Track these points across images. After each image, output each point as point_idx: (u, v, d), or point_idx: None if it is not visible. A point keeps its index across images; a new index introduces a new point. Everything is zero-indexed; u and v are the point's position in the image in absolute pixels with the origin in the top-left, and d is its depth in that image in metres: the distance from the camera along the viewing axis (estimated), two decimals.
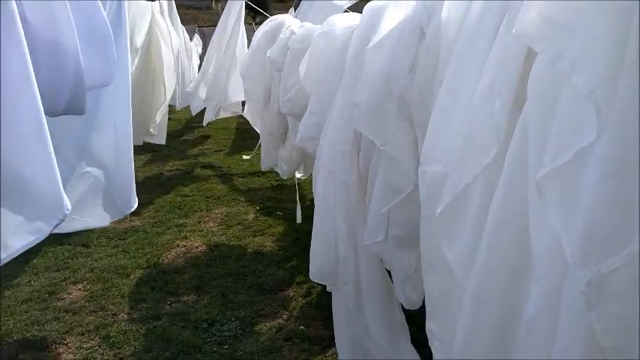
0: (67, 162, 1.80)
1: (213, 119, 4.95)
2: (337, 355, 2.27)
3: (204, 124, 5.22)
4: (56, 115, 1.24)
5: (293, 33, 2.66)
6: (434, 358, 1.25)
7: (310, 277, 2.13)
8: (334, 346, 2.35)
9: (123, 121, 1.87)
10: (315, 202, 2.09)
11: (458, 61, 1.08)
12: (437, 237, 1.02)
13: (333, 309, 2.05)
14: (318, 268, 2.08)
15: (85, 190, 1.96)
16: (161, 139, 4.80)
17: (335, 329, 2.05)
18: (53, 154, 1.09)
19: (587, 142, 0.69)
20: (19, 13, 0.95)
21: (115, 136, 1.84)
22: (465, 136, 0.97)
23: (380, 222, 1.72)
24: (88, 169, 1.92)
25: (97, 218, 2.07)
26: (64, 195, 1.13)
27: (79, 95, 1.14)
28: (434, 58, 1.30)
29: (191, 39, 8.55)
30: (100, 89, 1.44)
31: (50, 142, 1.07)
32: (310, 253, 2.08)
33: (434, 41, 1.31)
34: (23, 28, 0.96)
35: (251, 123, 4.17)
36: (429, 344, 1.28)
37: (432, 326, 1.24)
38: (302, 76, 2.20)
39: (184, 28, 5.84)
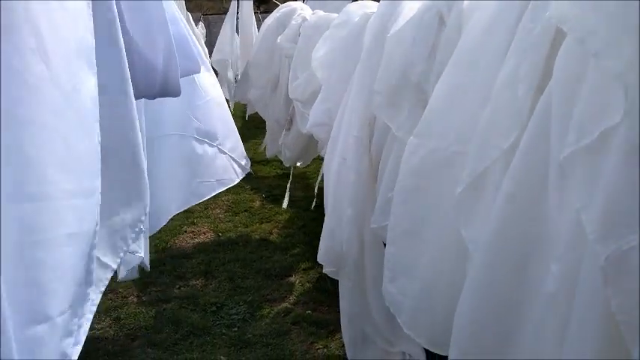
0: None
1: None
2: (343, 339, 2.31)
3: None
4: (153, 97, 1.25)
5: (305, 20, 2.67)
6: (400, 318, 1.31)
7: (318, 260, 2.16)
8: (341, 330, 2.38)
9: None
10: (326, 189, 2.11)
11: (474, 47, 1.10)
12: (453, 216, 1.05)
13: (339, 293, 2.07)
14: (325, 252, 2.11)
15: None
16: None
17: (341, 314, 2.07)
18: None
19: (613, 123, 0.71)
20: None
21: None
22: (486, 121, 0.99)
23: (387, 206, 1.75)
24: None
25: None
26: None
27: (171, 79, 1.15)
28: (454, 45, 1.32)
29: (196, 25, 8.53)
30: None
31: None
32: (321, 237, 2.11)
33: (454, 29, 1.33)
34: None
35: (257, 109, 4.17)
36: (388, 304, 1.37)
37: (397, 288, 1.31)
38: (313, 63, 2.21)
39: (190, 16, 5.83)
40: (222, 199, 4.17)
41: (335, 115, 2.11)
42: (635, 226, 0.69)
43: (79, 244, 0.84)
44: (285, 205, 3.51)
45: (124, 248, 1.03)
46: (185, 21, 1.18)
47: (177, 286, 2.79)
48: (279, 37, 2.81)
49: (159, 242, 3.31)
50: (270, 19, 3.07)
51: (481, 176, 0.97)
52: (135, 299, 2.66)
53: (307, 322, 2.45)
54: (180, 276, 2.90)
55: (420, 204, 1.30)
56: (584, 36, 0.72)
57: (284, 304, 2.64)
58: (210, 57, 5.14)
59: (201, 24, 10.08)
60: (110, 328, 2.41)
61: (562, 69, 0.84)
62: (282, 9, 3.03)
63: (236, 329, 2.40)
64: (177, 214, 3.75)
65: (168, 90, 1.15)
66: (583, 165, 0.77)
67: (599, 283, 0.73)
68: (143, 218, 1.03)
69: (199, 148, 1.76)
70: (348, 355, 2.03)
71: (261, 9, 8.35)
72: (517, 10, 1.04)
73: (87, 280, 0.88)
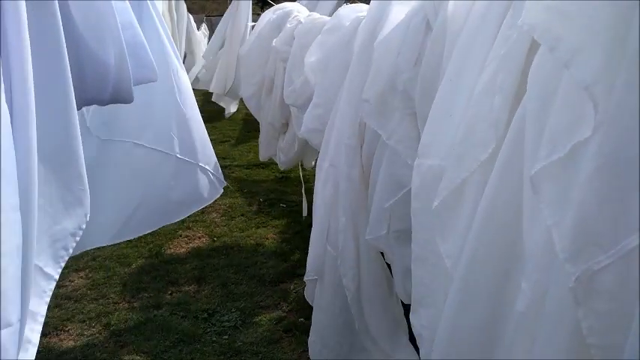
0: None
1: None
2: None
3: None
4: (104, 104, 1.22)
5: (300, 23, 2.64)
6: (420, 351, 1.24)
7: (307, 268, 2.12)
8: None
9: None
10: (315, 195, 2.08)
11: (460, 55, 1.07)
12: (432, 231, 1.01)
13: (316, 299, 2.01)
14: (311, 260, 2.08)
15: None
16: None
17: (316, 320, 2.00)
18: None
19: (583, 137, 0.68)
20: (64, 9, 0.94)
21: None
22: (464, 131, 0.95)
23: (382, 216, 1.71)
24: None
25: None
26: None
27: (123, 85, 1.12)
28: (439, 52, 1.29)
29: (198, 28, 8.53)
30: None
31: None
32: (309, 244, 2.08)
33: (439, 35, 1.29)
34: (68, 21, 0.95)
35: (249, 109, 4.08)
36: (415, 335, 1.27)
37: (417, 320, 1.23)
38: (306, 68, 2.18)
39: (192, 17, 5.82)
40: (219, 202, 4.14)
41: (328, 120, 2.08)
42: (606, 245, 0.65)
43: (24, 255, 0.83)
44: (304, 212, 3.43)
45: (66, 257, 1.01)
46: (137, 27, 1.13)
47: (170, 292, 2.77)
48: (275, 40, 2.79)
49: (153, 247, 3.28)
50: (264, 20, 3.04)
51: (458, 189, 0.93)
52: (126, 305, 2.64)
53: (299, 331, 2.42)
54: (173, 281, 2.87)
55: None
56: (554, 44, 0.69)
57: (277, 312, 2.60)
58: None
59: (204, 25, 10.08)
60: (100, 334, 2.38)
61: (535, 80, 0.81)
62: (277, 10, 3.00)
63: (227, 337, 2.37)
64: None
65: (120, 96, 1.12)
66: (554, 180, 0.74)
67: (568, 303, 0.70)
68: (83, 226, 1.01)
69: (175, 164, 1.66)
70: None
71: (265, 11, 8.35)
72: (499, 17, 1.01)
73: (33, 292, 0.87)
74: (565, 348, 0.70)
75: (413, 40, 1.41)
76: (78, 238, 1.02)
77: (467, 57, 1.08)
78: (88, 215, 1.01)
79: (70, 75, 0.89)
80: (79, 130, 0.93)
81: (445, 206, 0.96)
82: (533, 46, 0.87)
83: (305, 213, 3.48)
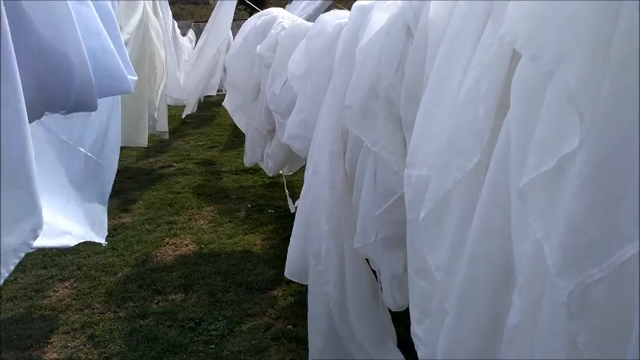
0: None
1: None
2: None
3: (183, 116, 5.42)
4: (67, 112, 1.19)
5: (284, 29, 2.63)
6: None
7: (285, 274, 2.10)
8: None
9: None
10: (301, 201, 2.07)
11: (442, 62, 1.06)
12: (420, 242, 1.00)
13: (308, 306, 2.01)
14: (292, 265, 2.06)
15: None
16: (164, 126, 4.81)
17: (311, 328, 2.00)
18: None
19: (570, 149, 0.66)
20: (17, 11, 0.91)
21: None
22: (447, 140, 0.94)
23: (371, 224, 1.70)
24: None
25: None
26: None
27: (87, 93, 1.10)
28: (421, 58, 1.28)
29: (184, 34, 8.49)
30: None
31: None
32: (288, 250, 2.06)
33: (421, 41, 1.28)
34: (25, 26, 0.92)
35: (230, 114, 4.08)
36: (415, 348, 1.26)
37: (417, 331, 1.22)
38: (288, 73, 2.17)
39: (176, 23, 5.80)
40: (207, 209, 4.12)
41: (311, 126, 2.07)
42: (598, 258, 0.64)
43: None
44: (292, 209, 3.43)
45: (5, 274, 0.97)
46: (105, 35, 1.10)
47: (156, 301, 2.73)
48: (259, 47, 2.77)
49: (139, 255, 3.25)
50: (249, 25, 3.02)
51: (444, 199, 0.92)
52: (111, 315, 2.60)
53: (287, 338, 2.40)
54: (160, 290, 2.84)
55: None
56: (536, 54, 0.68)
57: (264, 319, 2.58)
58: None
59: (191, 31, 10.05)
60: (84, 346, 2.34)
61: (519, 91, 0.79)
62: (262, 16, 2.99)
63: (214, 346, 2.34)
64: (160, 226, 3.73)
65: (84, 104, 1.09)
66: (542, 192, 0.72)
67: (562, 317, 0.69)
68: (31, 242, 0.98)
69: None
70: None
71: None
72: (480, 23, 1.00)
73: None
74: None
75: (394, 46, 1.40)
76: (22, 254, 0.98)
77: (449, 64, 1.07)
78: (39, 231, 0.98)
79: (18, 81, 0.85)
80: (29, 140, 0.89)
81: (432, 217, 0.94)
82: (516, 55, 0.86)
83: (292, 209, 3.44)
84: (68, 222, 1.74)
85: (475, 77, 0.93)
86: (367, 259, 1.92)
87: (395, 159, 1.54)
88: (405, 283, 1.73)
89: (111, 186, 2.02)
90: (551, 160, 0.69)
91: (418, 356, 1.25)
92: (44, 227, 1.44)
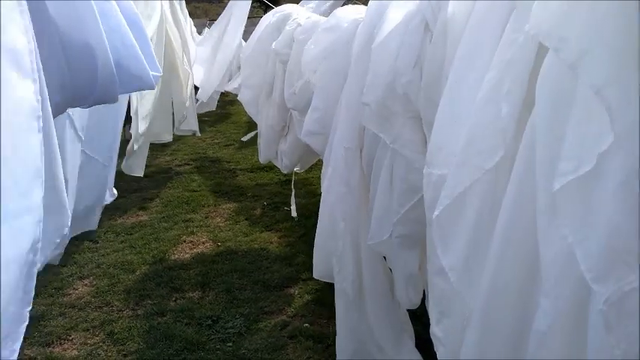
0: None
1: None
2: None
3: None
4: (89, 105, 1.20)
5: (299, 25, 2.62)
6: None
7: (314, 276, 2.10)
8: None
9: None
10: (321, 201, 2.06)
11: (462, 60, 1.03)
12: (433, 242, 0.98)
13: (335, 306, 2.01)
14: (318, 265, 2.06)
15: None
16: (194, 125, 4.84)
17: (337, 327, 2.01)
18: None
19: (606, 145, 0.63)
20: (40, 7, 0.92)
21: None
22: (467, 138, 0.92)
23: (385, 221, 1.68)
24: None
25: None
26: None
27: (109, 89, 1.10)
28: (441, 55, 1.26)
29: (200, 33, 8.52)
30: None
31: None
32: (314, 250, 2.06)
33: (440, 38, 1.26)
34: (47, 22, 0.93)
35: (246, 109, 4.07)
36: (435, 349, 1.24)
37: (436, 331, 1.20)
38: (303, 69, 2.16)
39: (192, 22, 5.82)
40: (223, 207, 4.13)
41: (328, 123, 2.06)
42: (634, 265, 0.62)
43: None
44: (294, 213, 3.43)
45: None
46: (127, 31, 1.10)
47: (174, 299, 2.75)
48: (274, 43, 2.76)
49: (157, 253, 3.27)
50: (265, 22, 3.02)
51: (460, 198, 0.90)
52: (130, 312, 2.62)
53: (304, 336, 2.39)
54: (177, 288, 2.85)
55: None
56: (559, 45, 0.65)
57: (281, 317, 2.58)
58: None
59: (206, 29, 10.07)
60: (103, 343, 2.37)
61: (546, 87, 0.77)
62: (277, 13, 2.98)
63: (231, 344, 2.35)
64: (177, 224, 3.75)
65: (106, 95, 1.09)
66: (576, 195, 0.70)
67: (595, 328, 0.66)
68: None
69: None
70: None
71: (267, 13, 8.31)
72: (502, 19, 0.98)
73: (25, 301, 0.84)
74: None
75: (411, 43, 1.38)
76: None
77: (469, 62, 1.04)
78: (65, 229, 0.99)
79: (43, 79, 0.85)
80: (54, 138, 0.89)
81: (446, 216, 0.92)
82: (541, 51, 0.83)
83: (294, 214, 3.43)
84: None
85: (497, 75, 0.90)
86: (385, 257, 1.91)
87: (416, 156, 1.52)
88: (419, 281, 1.72)
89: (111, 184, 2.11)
90: (591, 159, 0.66)
91: (437, 356, 1.23)
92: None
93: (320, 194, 2.96)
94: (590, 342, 0.69)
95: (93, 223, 2.13)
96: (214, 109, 6.21)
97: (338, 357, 1.97)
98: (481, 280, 0.89)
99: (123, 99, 2.01)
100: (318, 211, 3.17)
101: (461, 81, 1.02)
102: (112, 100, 1.13)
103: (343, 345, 1.98)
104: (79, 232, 2.08)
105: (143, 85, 1.20)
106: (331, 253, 1.95)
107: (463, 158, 0.92)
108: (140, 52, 1.15)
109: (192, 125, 4.82)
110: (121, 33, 1.10)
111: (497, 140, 0.87)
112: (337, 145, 1.89)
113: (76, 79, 1.00)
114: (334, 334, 2.39)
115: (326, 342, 2.35)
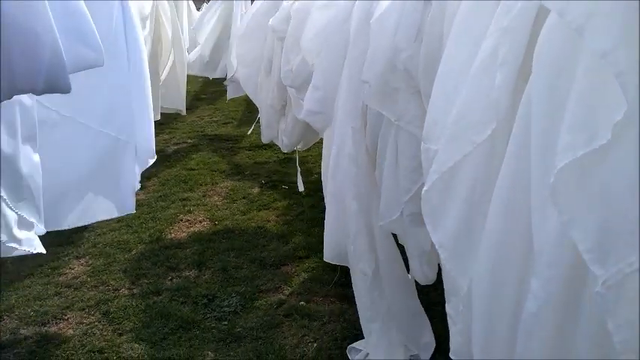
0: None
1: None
2: (335, 332, 2.25)
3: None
4: (39, 93, 1.18)
5: (297, 0, 2.55)
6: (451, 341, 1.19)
7: (325, 259, 2.07)
8: (333, 322, 2.32)
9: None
10: (324, 180, 2.03)
11: (457, 32, 0.99)
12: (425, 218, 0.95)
13: (353, 287, 1.99)
14: (330, 248, 2.03)
15: None
16: (180, 104, 4.76)
17: (358, 308, 1.99)
18: None
19: (620, 116, 0.58)
20: None
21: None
22: (458, 110, 0.88)
23: (395, 199, 1.66)
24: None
25: None
26: None
27: (58, 75, 1.06)
28: (439, 28, 1.22)
29: (199, 8, 8.39)
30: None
31: None
32: (324, 234, 2.03)
33: (439, 10, 1.22)
34: None
35: (243, 88, 4.00)
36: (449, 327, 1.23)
37: (448, 309, 1.18)
38: (302, 47, 2.11)
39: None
40: (221, 185, 4.10)
41: (329, 102, 2.01)
42: (635, 245, 0.59)
43: None
44: (300, 188, 3.40)
45: None
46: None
47: (170, 278, 2.74)
48: (271, 20, 2.70)
49: (154, 232, 3.25)
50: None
51: (449, 173, 0.87)
52: (126, 291, 2.61)
53: (300, 315, 2.39)
54: (173, 267, 2.84)
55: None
56: (563, 8, 0.61)
57: (277, 295, 2.57)
58: None
59: (205, 5, 9.92)
60: (99, 322, 2.36)
61: (544, 55, 0.72)
62: None
63: (226, 322, 2.34)
64: (174, 202, 3.73)
65: (56, 85, 1.05)
66: (574, 174, 0.66)
67: (592, 314, 0.63)
68: None
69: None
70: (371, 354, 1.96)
71: None
72: None
73: None
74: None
75: (411, 16, 1.33)
76: None
77: (465, 31, 1.00)
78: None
79: None
80: None
81: (436, 192, 0.89)
82: (540, 17, 0.78)
83: (301, 188, 3.41)
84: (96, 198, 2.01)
85: (492, 44, 0.86)
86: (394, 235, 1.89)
87: (421, 132, 1.49)
88: (433, 257, 1.70)
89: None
90: (606, 130, 0.60)
91: (450, 334, 1.22)
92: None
93: (318, 173, 2.92)
94: (582, 327, 0.66)
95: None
96: (211, 88, 6.14)
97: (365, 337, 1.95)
98: (473, 258, 0.86)
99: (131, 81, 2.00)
100: (315, 189, 3.14)
101: (457, 52, 0.98)
102: (64, 88, 1.08)
103: (367, 326, 1.97)
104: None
105: (97, 60, 1.16)
106: (343, 236, 1.93)
107: (454, 131, 0.88)
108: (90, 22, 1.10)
109: (177, 104, 4.76)
110: (67, 14, 1.05)
111: (489, 112, 0.83)
112: (342, 125, 1.85)
113: (18, 62, 0.95)
114: (329, 312, 2.39)
115: (321, 320, 2.35)
